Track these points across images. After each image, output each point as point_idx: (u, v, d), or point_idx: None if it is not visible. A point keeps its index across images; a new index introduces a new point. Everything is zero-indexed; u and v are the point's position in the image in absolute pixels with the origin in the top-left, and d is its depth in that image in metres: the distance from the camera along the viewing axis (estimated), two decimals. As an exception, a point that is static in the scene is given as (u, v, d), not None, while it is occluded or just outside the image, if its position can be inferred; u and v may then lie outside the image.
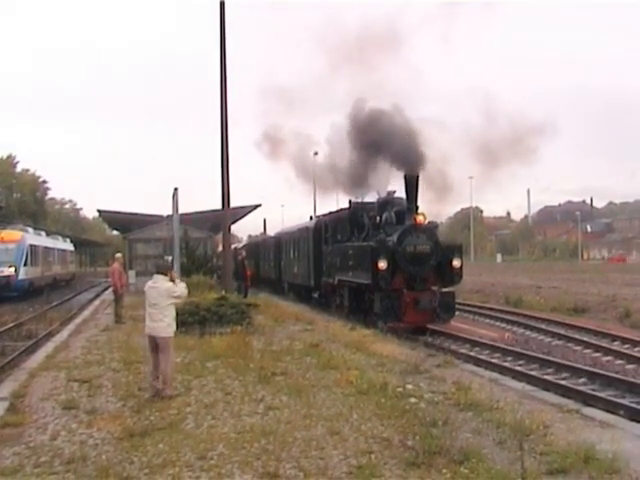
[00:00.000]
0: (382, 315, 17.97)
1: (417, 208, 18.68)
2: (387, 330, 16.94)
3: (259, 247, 42.63)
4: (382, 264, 17.96)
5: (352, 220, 22.05)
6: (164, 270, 10.13)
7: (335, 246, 22.63)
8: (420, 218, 18.35)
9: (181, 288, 9.91)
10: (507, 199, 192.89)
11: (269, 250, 37.48)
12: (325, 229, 24.35)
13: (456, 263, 18.59)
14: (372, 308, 18.78)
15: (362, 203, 22.91)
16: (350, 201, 23.14)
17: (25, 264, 37.05)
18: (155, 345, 9.66)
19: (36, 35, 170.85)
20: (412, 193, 18.71)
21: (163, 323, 9.62)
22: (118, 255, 22.56)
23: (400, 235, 18.32)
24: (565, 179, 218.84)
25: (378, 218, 20.44)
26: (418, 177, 18.71)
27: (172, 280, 9.94)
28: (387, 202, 20.55)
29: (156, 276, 9.94)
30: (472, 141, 21.58)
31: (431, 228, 19.03)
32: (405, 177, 18.81)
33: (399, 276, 18.17)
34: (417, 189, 18.74)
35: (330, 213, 25.23)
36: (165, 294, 9.67)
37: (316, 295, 25.42)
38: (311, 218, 31.33)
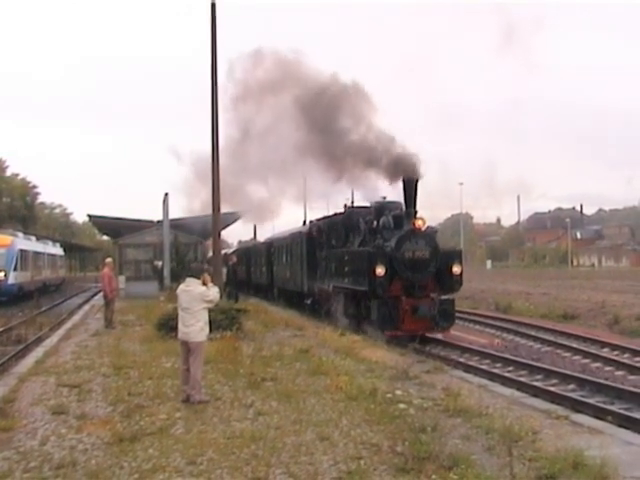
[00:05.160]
0: (379, 323, 17.40)
1: (416, 213, 18.05)
2: (383, 338, 16.62)
3: (250, 252, 42.52)
4: (380, 270, 17.34)
5: (347, 225, 21.50)
6: (197, 274, 9.95)
7: (330, 251, 22.06)
8: (419, 223, 17.73)
9: (214, 292, 9.77)
10: (499, 205, 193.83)
11: (260, 256, 37.30)
12: (319, 234, 23.70)
13: (456, 269, 17.99)
14: (369, 315, 18.17)
15: (358, 207, 22.38)
16: (345, 205, 22.73)
17: (15, 269, 36.84)
18: (187, 350, 9.56)
19: (26, 37, 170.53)
20: (411, 197, 18.08)
21: (196, 327, 9.51)
22: (108, 260, 22.42)
23: (398, 240, 17.73)
24: (555, 186, 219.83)
25: (375, 223, 19.65)
26: (417, 181, 18.14)
27: (205, 284, 9.76)
28: (384, 206, 19.79)
29: (189, 279, 9.81)
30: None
31: (430, 233, 18.46)
32: (404, 180, 18.20)
33: (397, 283, 17.58)
34: (416, 193, 18.15)
35: (324, 217, 24.65)
36: (198, 298, 9.55)
37: (309, 302, 25.03)
38: (304, 223, 30.98)
